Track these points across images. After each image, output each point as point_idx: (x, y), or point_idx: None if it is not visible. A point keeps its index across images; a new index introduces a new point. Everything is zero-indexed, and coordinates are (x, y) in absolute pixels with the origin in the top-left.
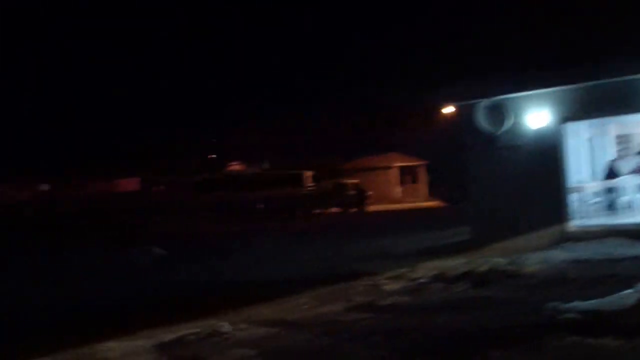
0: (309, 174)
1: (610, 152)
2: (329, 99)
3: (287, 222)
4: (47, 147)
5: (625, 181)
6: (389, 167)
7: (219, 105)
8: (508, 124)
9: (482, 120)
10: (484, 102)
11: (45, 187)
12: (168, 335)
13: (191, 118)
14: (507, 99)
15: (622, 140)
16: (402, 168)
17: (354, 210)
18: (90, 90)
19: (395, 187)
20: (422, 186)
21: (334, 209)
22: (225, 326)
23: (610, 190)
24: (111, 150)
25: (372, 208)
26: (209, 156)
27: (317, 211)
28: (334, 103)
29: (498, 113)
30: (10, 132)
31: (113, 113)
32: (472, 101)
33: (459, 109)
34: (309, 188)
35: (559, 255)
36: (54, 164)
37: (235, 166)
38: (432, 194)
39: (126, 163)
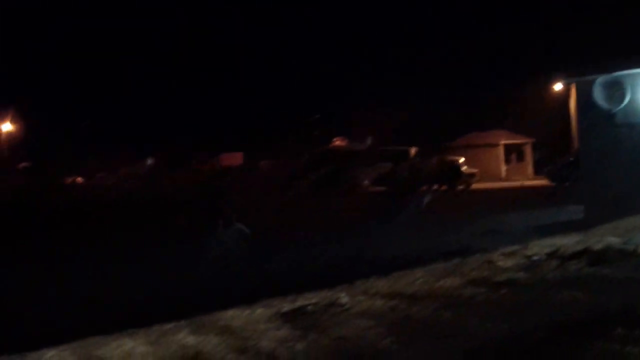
0: (414, 150)
1: None
2: (436, 75)
3: (392, 198)
4: (155, 124)
5: None
6: (495, 145)
7: (324, 81)
8: (626, 101)
9: (598, 97)
10: (601, 79)
11: (150, 162)
12: (286, 305)
13: (295, 93)
14: (625, 75)
15: None
16: (508, 146)
17: (460, 188)
18: (193, 65)
19: (501, 165)
20: (528, 164)
21: (440, 187)
22: (343, 298)
23: None
24: (216, 126)
25: (478, 186)
26: (312, 132)
27: (423, 188)
28: (441, 79)
29: (616, 90)
30: (120, 106)
31: (219, 88)
32: (589, 77)
33: (573, 86)
34: (413, 164)
35: None
36: (162, 140)
37: (339, 142)
38: (538, 172)
39: (231, 139)
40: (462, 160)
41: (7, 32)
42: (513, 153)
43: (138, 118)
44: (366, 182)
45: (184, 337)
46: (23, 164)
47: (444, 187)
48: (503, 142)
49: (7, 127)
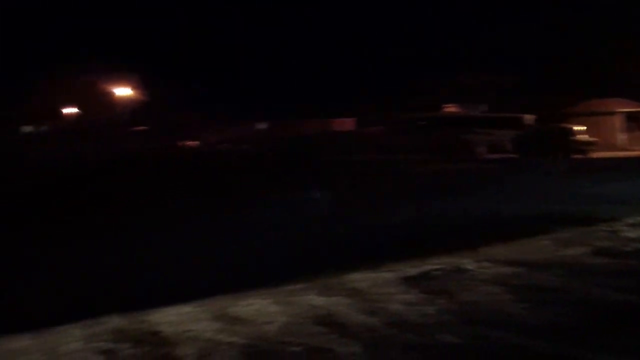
0: (530, 117)
1: None
2: (554, 41)
3: (506, 164)
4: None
5: None
6: (614, 113)
7: (434, 46)
8: None
9: None
10: None
11: (263, 125)
12: (411, 270)
13: (406, 58)
14: None
15: None
16: (627, 114)
17: (578, 156)
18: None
19: (620, 133)
20: None
21: (558, 154)
22: (468, 263)
23: None
24: (330, 92)
25: (596, 155)
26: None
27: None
28: (559, 44)
29: None
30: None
31: (333, 55)
32: None
33: None
34: (530, 131)
35: None
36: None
37: (451, 108)
38: None
39: (344, 104)
40: (581, 128)
41: None
42: (633, 122)
43: (253, 83)
44: (481, 149)
45: (313, 298)
46: (140, 127)
47: (561, 155)
48: (622, 110)
49: (126, 91)
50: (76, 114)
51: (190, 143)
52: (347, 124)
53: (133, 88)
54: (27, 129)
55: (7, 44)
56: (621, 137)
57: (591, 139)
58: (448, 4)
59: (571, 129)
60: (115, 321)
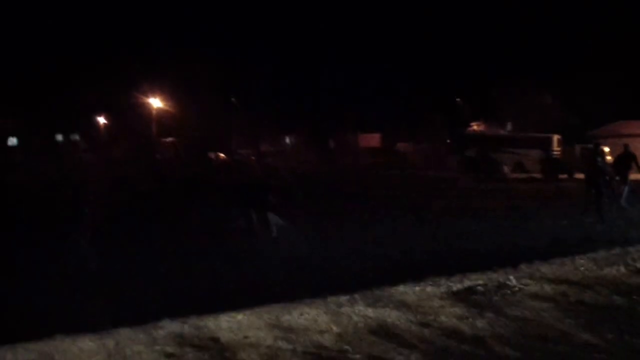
0: (557, 137)
1: None
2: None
3: (533, 184)
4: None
5: None
6: None
7: (465, 65)
8: None
9: None
10: None
11: (289, 140)
12: (455, 284)
13: (436, 77)
14: None
15: None
16: None
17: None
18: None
19: None
20: None
21: (580, 176)
22: (512, 280)
23: None
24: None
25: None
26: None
27: (564, 176)
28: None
29: None
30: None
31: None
32: None
33: None
34: (556, 152)
35: None
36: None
37: (476, 126)
38: None
39: (368, 119)
40: (606, 149)
41: None
42: None
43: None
44: (506, 168)
45: (363, 309)
46: (170, 139)
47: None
48: None
49: (157, 103)
50: (108, 124)
51: (221, 155)
52: (373, 139)
53: (164, 100)
54: (59, 137)
55: (42, 51)
56: None
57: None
58: (477, 23)
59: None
60: (173, 326)
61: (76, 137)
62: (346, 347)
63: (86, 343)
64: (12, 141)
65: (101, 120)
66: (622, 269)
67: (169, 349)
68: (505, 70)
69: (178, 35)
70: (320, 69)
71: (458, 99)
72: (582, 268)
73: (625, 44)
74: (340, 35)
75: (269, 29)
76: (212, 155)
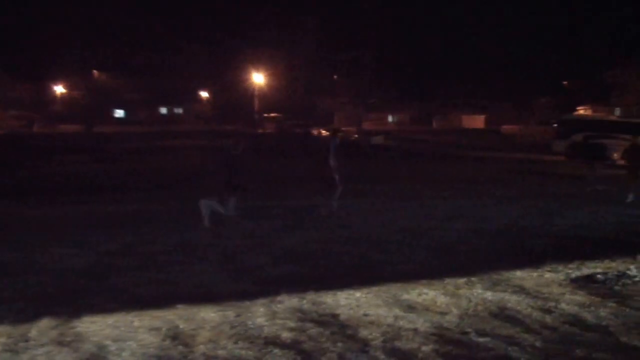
0: None
1: None
2: None
3: None
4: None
5: None
6: None
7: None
8: None
9: None
10: None
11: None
12: (574, 272)
13: (545, 59)
14: None
15: None
16: None
17: None
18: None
19: None
20: None
21: None
22: (632, 270)
23: None
24: (459, 87)
25: None
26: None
27: None
28: None
29: None
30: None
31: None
32: None
33: None
34: None
35: None
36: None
37: (583, 111)
38: None
39: (472, 101)
40: None
41: None
42: None
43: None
44: (616, 154)
45: (482, 292)
46: (273, 114)
47: None
48: None
49: (259, 79)
50: (211, 98)
51: (323, 131)
52: (477, 120)
53: (268, 75)
54: (163, 110)
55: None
56: None
57: None
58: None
59: None
60: (293, 301)
61: (180, 110)
62: (469, 329)
63: (208, 313)
64: (119, 113)
65: (204, 94)
66: None
67: (291, 324)
68: (618, 53)
69: (281, 12)
70: (427, 49)
71: (565, 82)
72: None
73: None
74: (448, 17)
75: (373, 6)
76: (314, 131)
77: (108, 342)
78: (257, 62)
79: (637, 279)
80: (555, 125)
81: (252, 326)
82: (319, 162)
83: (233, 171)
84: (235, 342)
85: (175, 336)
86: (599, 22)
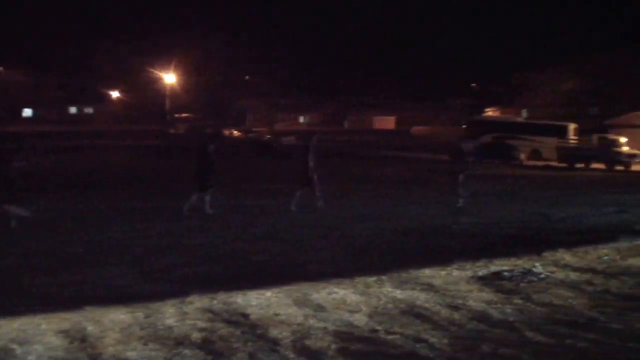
0: (573, 126)
1: None
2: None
3: (547, 171)
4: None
5: None
6: None
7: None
8: None
9: None
10: None
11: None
12: (481, 269)
13: (454, 62)
14: None
15: None
16: None
17: (620, 168)
18: None
19: None
20: None
21: (597, 165)
22: (537, 267)
23: None
24: (370, 88)
25: (637, 167)
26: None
27: (580, 165)
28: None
29: None
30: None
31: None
32: None
33: None
34: (572, 140)
35: None
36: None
37: (491, 112)
38: None
39: (382, 102)
40: (623, 139)
41: None
42: None
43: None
44: (523, 155)
45: (391, 290)
46: (184, 114)
47: (602, 166)
48: None
49: (171, 79)
50: (122, 98)
51: (235, 132)
52: (388, 122)
53: (180, 75)
54: (73, 110)
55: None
56: None
57: (634, 151)
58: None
59: (612, 139)
60: (204, 302)
61: (90, 110)
62: (378, 327)
63: (118, 315)
64: (27, 112)
65: (115, 94)
66: None
67: (201, 324)
68: (525, 57)
69: (192, 12)
70: (338, 51)
71: (474, 85)
72: (606, 257)
73: None
74: (358, 18)
75: (285, 9)
76: (226, 132)
77: (14, 346)
78: (169, 62)
79: (542, 276)
80: (465, 126)
81: (162, 327)
82: (299, 163)
83: (208, 169)
84: (145, 344)
85: (83, 338)
86: (507, 26)
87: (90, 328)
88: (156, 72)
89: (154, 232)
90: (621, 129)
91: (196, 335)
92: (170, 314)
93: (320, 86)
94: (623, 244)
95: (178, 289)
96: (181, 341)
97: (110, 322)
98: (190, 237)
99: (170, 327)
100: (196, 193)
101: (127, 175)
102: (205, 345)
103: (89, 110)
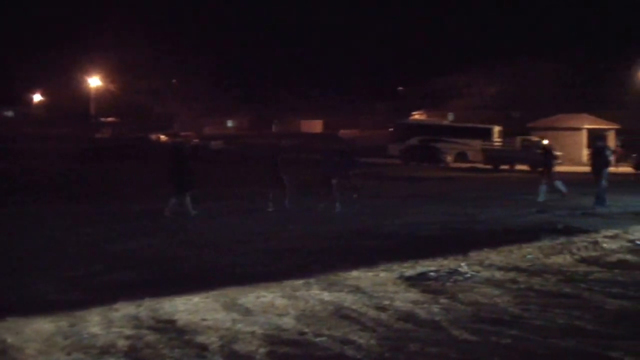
0: (497, 128)
1: None
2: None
3: (473, 173)
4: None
5: None
6: (578, 129)
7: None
8: None
9: None
10: None
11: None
12: (408, 270)
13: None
14: None
15: None
16: (591, 130)
17: (541, 169)
18: None
19: (583, 149)
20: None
21: (521, 167)
22: (463, 267)
23: None
24: (297, 92)
25: (560, 169)
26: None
27: (504, 167)
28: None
29: None
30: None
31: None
32: None
33: None
34: (497, 142)
35: None
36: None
37: (418, 115)
38: (620, 159)
39: (309, 106)
40: (545, 141)
41: None
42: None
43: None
44: (449, 157)
45: (319, 293)
46: (110, 119)
47: (525, 167)
48: (586, 126)
49: (95, 82)
50: (44, 101)
51: (162, 136)
52: (315, 125)
53: (104, 78)
54: None
55: None
56: (584, 153)
57: (556, 153)
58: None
59: (535, 142)
60: (129, 309)
61: (10, 113)
62: (306, 329)
63: (40, 325)
64: None
65: (36, 97)
66: (568, 257)
67: (127, 332)
68: (450, 60)
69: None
70: (263, 53)
71: (400, 88)
72: (530, 256)
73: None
74: (285, 18)
75: (211, 9)
76: (153, 136)
77: None
78: (94, 65)
79: (467, 275)
80: (391, 129)
81: (86, 336)
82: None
83: (184, 171)
84: (68, 354)
85: (3, 351)
86: (431, 30)
87: (10, 340)
88: (80, 75)
89: (80, 238)
90: (543, 131)
91: (122, 343)
92: (95, 322)
93: (247, 90)
94: (546, 242)
95: (104, 297)
96: (106, 350)
97: (33, 332)
98: (111, 242)
99: (95, 336)
100: (174, 197)
101: (48, 179)
102: (131, 353)
103: (9, 113)
